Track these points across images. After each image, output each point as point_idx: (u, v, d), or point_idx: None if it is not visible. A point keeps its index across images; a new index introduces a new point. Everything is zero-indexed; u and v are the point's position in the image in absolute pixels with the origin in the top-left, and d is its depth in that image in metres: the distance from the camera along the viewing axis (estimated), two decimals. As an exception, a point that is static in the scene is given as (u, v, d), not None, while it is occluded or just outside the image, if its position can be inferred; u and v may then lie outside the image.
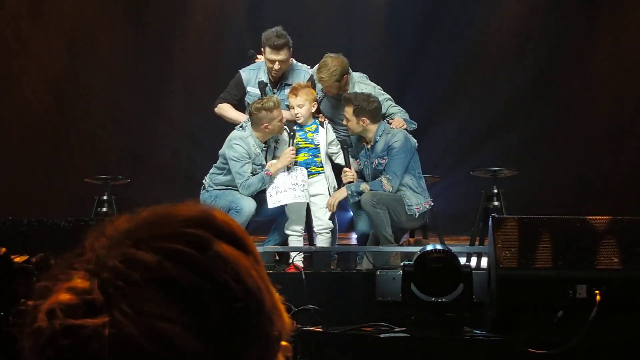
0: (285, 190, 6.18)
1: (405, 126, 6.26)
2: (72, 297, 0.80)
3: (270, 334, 0.86)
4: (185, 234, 0.84)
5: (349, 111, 6.15)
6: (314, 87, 6.55)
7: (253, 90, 6.58)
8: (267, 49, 6.41)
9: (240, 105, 6.67)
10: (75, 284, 0.81)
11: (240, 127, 6.30)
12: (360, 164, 6.39)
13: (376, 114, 6.18)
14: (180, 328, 0.78)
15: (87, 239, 0.86)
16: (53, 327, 0.79)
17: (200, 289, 0.81)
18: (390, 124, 6.25)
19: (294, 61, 6.69)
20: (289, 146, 6.27)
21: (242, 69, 6.71)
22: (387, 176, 6.10)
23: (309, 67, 6.74)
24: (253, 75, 6.62)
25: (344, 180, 6.31)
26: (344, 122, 6.25)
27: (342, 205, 6.51)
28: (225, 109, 6.67)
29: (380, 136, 6.18)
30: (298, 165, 6.30)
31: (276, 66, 6.43)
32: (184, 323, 0.79)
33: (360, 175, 6.37)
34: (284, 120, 6.28)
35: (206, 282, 0.81)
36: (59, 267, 0.84)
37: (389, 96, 6.46)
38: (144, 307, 0.79)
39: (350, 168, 6.32)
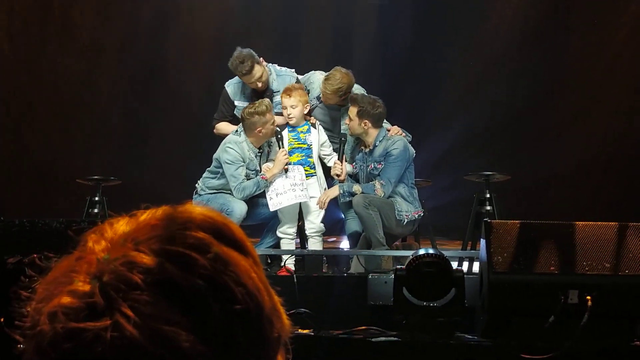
0: (286, 191, 6.18)
1: (403, 134, 6.29)
2: (74, 300, 0.80)
3: (270, 335, 0.86)
4: (185, 236, 0.84)
5: (353, 111, 6.18)
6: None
7: (240, 104, 6.57)
8: (240, 77, 6.43)
9: (235, 120, 6.64)
10: (77, 287, 0.81)
11: (236, 131, 6.30)
12: (355, 168, 6.40)
13: (379, 119, 6.23)
14: (182, 330, 0.78)
15: (86, 242, 0.85)
16: (55, 331, 0.79)
17: (201, 291, 0.81)
18: (389, 131, 6.27)
19: (277, 67, 6.67)
20: (279, 148, 6.26)
21: (227, 83, 6.70)
22: (381, 181, 6.11)
23: (293, 70, 6.73)
24: (238, 88, 6.62)
25: (333, 171, 6.31)
26: (347, 122, 6.27)
27: (332, 206, 6.51)
28: (222, 128, 6.68)
29: (380, 141, 6.21)
30: (293, 165, 6.30)
31: (257, 85, 6.45)
32: (185, 325, 0.79)
33: (355, 178, 6.37)
34: (276, 123, 6.28)
35: (207, 284, 0.81)
36: (59, 270, 0.84)
37: None
38: (146, 309, 0.78)
39: (341, 162, 6.32)
